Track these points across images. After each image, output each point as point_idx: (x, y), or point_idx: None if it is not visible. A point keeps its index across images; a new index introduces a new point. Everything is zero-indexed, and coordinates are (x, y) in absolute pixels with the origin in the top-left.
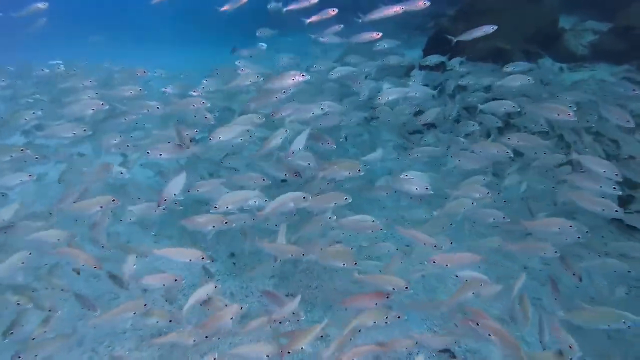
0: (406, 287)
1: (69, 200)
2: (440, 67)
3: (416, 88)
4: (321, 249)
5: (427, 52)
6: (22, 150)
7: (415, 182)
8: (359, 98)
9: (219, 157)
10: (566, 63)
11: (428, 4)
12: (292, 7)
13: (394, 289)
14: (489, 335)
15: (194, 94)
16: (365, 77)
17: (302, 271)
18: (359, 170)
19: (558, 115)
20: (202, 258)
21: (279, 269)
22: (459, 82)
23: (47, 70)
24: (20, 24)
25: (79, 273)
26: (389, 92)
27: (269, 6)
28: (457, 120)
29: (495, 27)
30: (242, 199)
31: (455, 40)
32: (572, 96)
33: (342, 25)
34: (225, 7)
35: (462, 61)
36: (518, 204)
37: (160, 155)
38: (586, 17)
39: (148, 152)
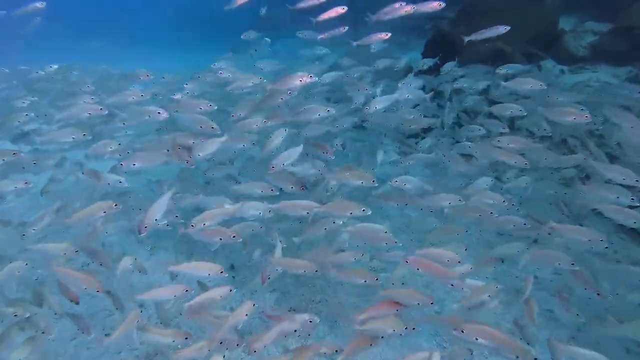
0: (431, 303)
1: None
2: (434, 70)
3: (408, 91)
4: (340, 270)
5: (426, 55)
6: (14, 154)
7: (447, 196)
8: (350, 103)
9: (222, 164)
10: (567, 65)
11: (443, 4)
12: (299, 6)
13: (419, 303)
14: (476, 339)
15: (176, 97)
16: (359, 80)
17: (305, 284)
18: (373, 181)
19: (574, 118)
20: (221, 272)
21: (280, 282)
22: (455, 86)
23: (43, 73)
24: (18, 25)
25: (77, 302)
26: (377, 101)
27: (261, 13)
28: (459, 124)
29: (508, 28)
30: (221, 215)
31: (467, 40)
32: (571, 98)
33: (347, 27)
34: (229, 7)
35: (454, 65)
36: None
37: (134, 165)
38: (585, 17)
39: (121, 164)
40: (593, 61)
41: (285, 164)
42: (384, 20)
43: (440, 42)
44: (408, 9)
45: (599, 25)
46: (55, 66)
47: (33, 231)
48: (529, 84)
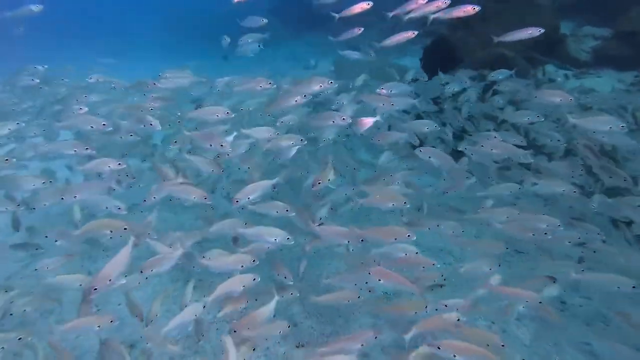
0: (503, 346)
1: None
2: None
3: (395, 100)
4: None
5: (425, 61)
6: (6, 160)
7: (502, 210)
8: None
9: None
10: (570, 69)
11: (478, 9)
12: (320, 1)
13: (488, 345)
14: (454, 356)
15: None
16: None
17: (314, 315)
18: (405, 203)
19: (610, 127)
20: (254, 279)
21: (287, 314)
22: (450, 90)
23: (37, 80)
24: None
25: None
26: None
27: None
28: (465, 131)
29: (542, 30)
30: (170, 262)
31: (496, 41)
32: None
33: (362, 28)
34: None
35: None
36: None
37: (75, 197)
38: (582, 22)
39: (62, 198)
40: (596, 66)
41: (251, 198)
42: (390, 22)
43: (441, 48)
44: (440, 4)
45: (598, 30)
46: (42, 67)
47: None
48: (557, 96)
